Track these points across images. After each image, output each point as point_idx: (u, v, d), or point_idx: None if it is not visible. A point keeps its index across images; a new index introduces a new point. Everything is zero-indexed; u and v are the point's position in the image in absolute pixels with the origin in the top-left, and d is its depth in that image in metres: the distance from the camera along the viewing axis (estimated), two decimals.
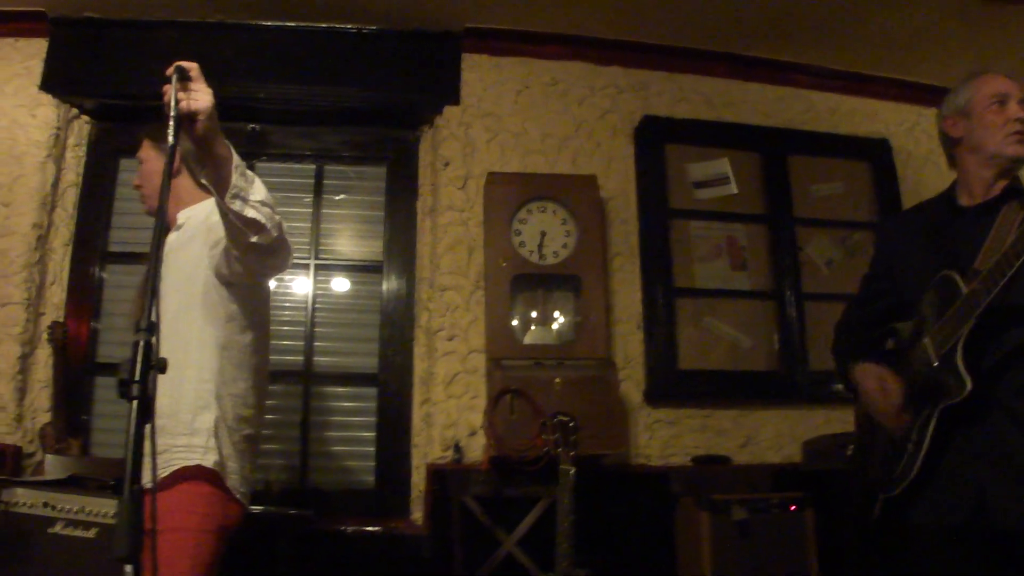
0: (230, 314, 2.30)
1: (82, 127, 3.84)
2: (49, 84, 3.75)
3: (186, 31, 3.78)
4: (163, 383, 1.45)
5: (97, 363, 3.71)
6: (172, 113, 1.74)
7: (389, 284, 3.77)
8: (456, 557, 3.26)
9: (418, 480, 3.56)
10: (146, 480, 1.42)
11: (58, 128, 3.74)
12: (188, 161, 2.48)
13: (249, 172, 2.03)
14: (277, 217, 2.08)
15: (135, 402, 1.39)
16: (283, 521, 3.19)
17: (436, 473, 3.44)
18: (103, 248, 3.77)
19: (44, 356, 3.57)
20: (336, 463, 3.70)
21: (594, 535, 2.92)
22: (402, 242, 3.80)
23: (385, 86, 3.78)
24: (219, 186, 1.98)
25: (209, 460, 2.19)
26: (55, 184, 3.71)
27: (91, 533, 2.82)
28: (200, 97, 1.85)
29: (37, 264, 3.62)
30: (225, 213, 2.02)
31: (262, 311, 2.46)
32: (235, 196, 1.97)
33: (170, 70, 1.81)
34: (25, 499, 2.86)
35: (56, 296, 3.66)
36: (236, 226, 2.03)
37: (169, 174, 1.64)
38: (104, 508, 2.83)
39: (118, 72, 3.76)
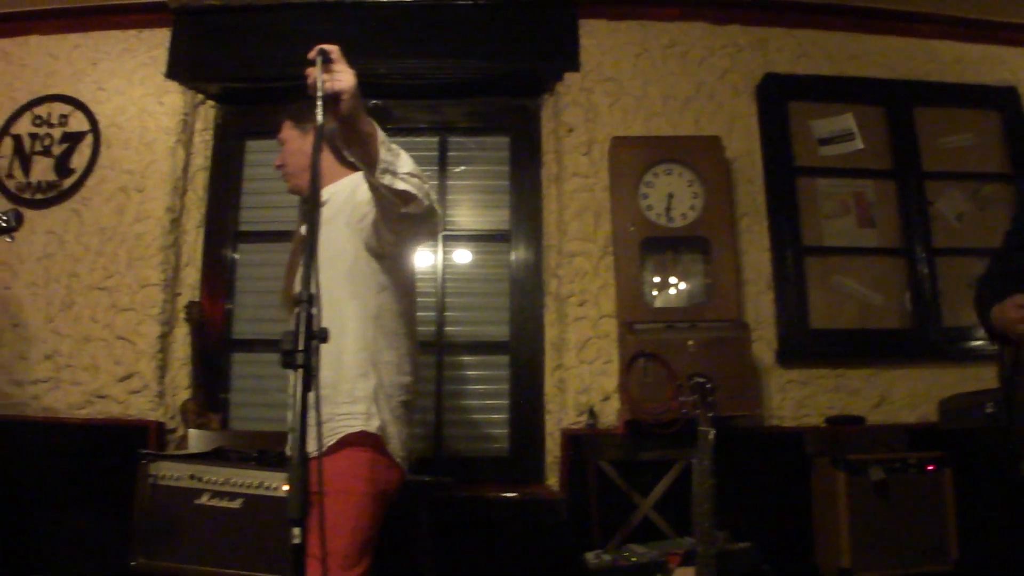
0: (381, 284, 2.40)
1: (208, 111, 4.02)
2: (174, 72, 3.93)
3: (304, 12, 3.92)
4: (323, 355, 1.55)
5: (233, 340, 3.89)
6: (319, 94, 1.84)
7: (517, 253, 3.86)
8: (592, 521, 3.34)
9: (552, 446, 3.65)
10: (312, 448, 1.55)
11: (185, 114, 3.92)
12: (334, 139, 2.61)
13: (394, 146, 2.11)
14: (426, 186, 2.17)
15: (299, 371, 1.50)
16: (423, 488, 3.29)
17: (571, 438, 3.53)
18: (234, 228, 3.95)
19: (182, 335, 3.76)
20: (470, 431, 3.81)
21: (729, 497, 2.95)
22: (528, 210, 3.88)
23: (504, 56, 3.86)
24: (368, 162, 2.08)
25: (372, 426, 2.30)
26: (185, 168, 3.90)
27: (236, 504, 2.98)
28: (343, 77, 1.93)
29: (172, 246, 3.81)
30: (376, 188, 2.12)
31: (410, 280, 2.56)
32: (384, 171, 2.06)
33: (313, 53, 1.91)
34: (172, 472, 3.04)
35: (191, 276, 3.85)
36: (388, 199, 2.13)
37: (319, 153, 1.75)
38: (248, 479, 2.98)
39: (239, 56, 3.93)
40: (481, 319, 3.88)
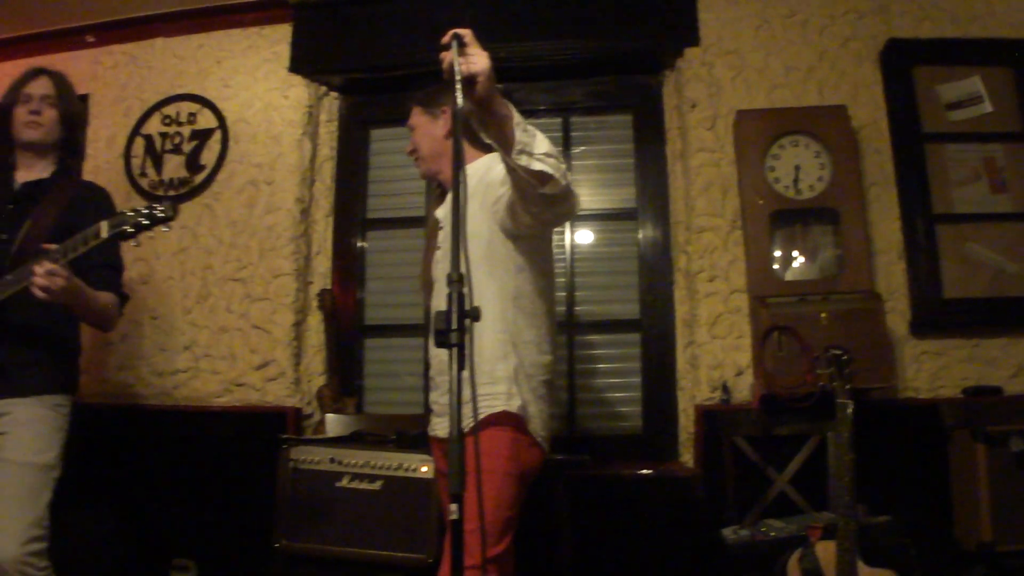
0: (519, 265, 2.48)
1: (332, 103, 4.18)
2: (297, 66, 4.09)
3: (422, 0, 4.09)
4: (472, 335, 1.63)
5: (365, 326, 4.03)
6: (456, 78, 1.91)
7: (645, 230, 3.92)
8: (728, 497, 3.38)
9: (686, 422, 3.71)
10: (464, 424, 1.62)
11: (310, 106, 4.08)
12: (467, 122, 2.71)
13: (530, 127, 2.17)
14: (563, 166, 2.21)
15: (453, 349, 1.59)
16: (561, 466, 3.35)
17: (705, 414, 3.58)
18: (362, 216, 4.10)
19: (315, 322, 3.92)
20: (603, 409, 3.89)
21: (865, 471, 2.91)
22: (654, 187, 3.94)
23: (624, 34, 3.91)
24: (504, 144, 2.14)
25: (513, 406, 2.38)
26: (312, 159, 4.07)
27: (376, 485, 3.14)
28: (477, 60, 2.00)
29: (303, 236, 3.98)
30: (513, 169, 2.18)
31: (547, 260, 2.63)
32: (521, 151, 2.11)
33: (447, 37, 1.99)
34: (313, 456, 3.21)
35: (322, 265, 4.02)
36: (525, 180, 2.18)
37: (459, 135, 1.84)
38: (387, 461, 3.13)
39: (360, 47, 4.06)
40: (610, 298, 3.95)
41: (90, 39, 4.45)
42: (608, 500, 3.57)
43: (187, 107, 4.18)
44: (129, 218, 2.43)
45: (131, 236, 2.45)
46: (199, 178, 4.06)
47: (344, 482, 3.20)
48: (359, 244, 4.09)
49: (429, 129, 2.68)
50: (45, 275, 2.42)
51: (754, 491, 3.41)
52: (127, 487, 3.86)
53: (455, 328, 1.61)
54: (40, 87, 2.88)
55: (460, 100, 1.89)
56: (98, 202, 2.90)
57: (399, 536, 3.10)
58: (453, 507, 1.56)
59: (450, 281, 1.67)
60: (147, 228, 2.43)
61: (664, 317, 3.84)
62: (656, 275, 3.89)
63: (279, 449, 3.30)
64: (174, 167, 4.11)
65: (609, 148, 4.08)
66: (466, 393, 1.64)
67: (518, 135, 2.11)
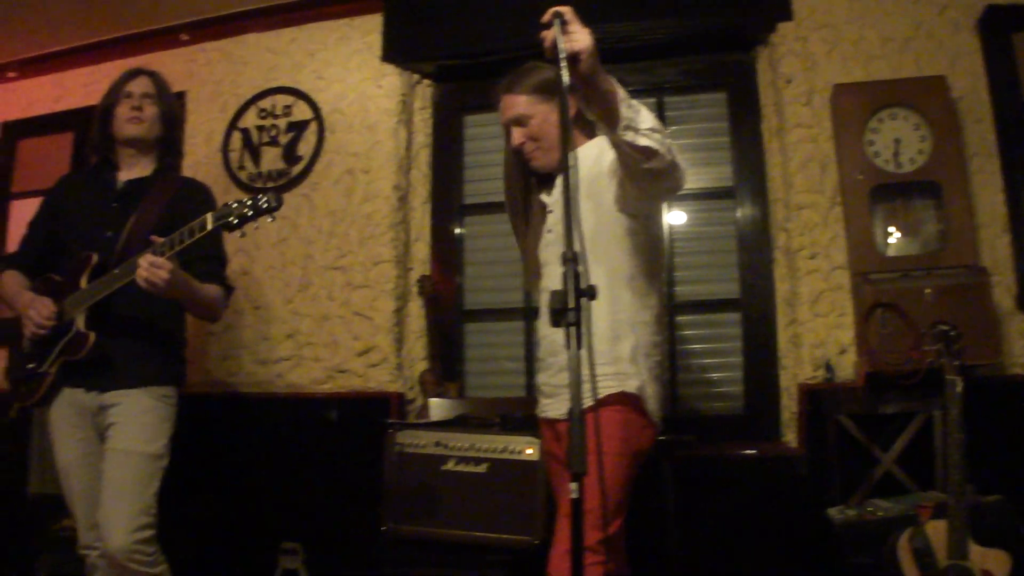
0: (633, 246, 2.51)
1: (425, 90, 4.27)
2: (389, 55, 4.18)
3: None
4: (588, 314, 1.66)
5: (465, 311, 4.13)
6: (561, 56, 1.95)
7: (743, 209, 3.94)
8: (833, 477, 3.41)
9: (788, 402, 3.72)
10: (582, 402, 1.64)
11: (404, 95, 4.19)
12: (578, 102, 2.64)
13: (635, 102, 2.18)
14: (668, 141, 2.23)
15: (571, 328, 1.62)
16: (667, 446, 3.38)
17: (809, 393, 3.59)
18: (459, 202, 4.20)
19: (416, 308, 4.03)
20: (704, 389, 3.93)
21: (971, 449, 2.88)
22: (751, 165, 3.96)
23: (715, 12, 3.92)
24: (609, 120, 2.16)
25: (631, 386, 2.42)
26: (408, 147, 4.17)
27: (482, 468, 3.21)
28: (580, 37, 2.02)
29: (401, 223, 4.09)
30: (619, 145, 2.21)
31: (659, 242, 2.65)
32: (627, 127, 2.14)
33: (548, 16, 2.02)
34: (418, 440, 3.30)
35: (421, 251, 4.13)
36: (631, 156, 2.21)
37: (567, 114, 1.88)
38: (492, 444, 3.20)
39: (451, 34, 4.14)
40: (708, 277, 3.98)
41: (184, 37, 4.62)
42: (712, 480, 3.62)
43: (282, 100, 4.32)
44: (234, 209, 2.51)
45: (236, 227, 2.52)
46: (297, 169, 4.20)
47: (450, 465, 3.29)
48: (456, 230, 4.19)
49: (548, 116, 2.60)
50: (149, 267, 2.50)
51: (859, 470, 3.42)
52: (234, 474, 4.02)
53: (572, 307, 1.65)
54: (141, 85, 3.00)
55: (566, 78, 1.93)
56: (199, 197, 3.02)
57: (505, 518, 3.17)
58: (573, 486, 1.59)
59: (565, 260, 1.71)
60: (252, 219, 2.51)
61: (764, 296, 3.87)
62: (755, 254, 3.92)
63: (385, 434, 3.40)
64: (272, 159, 4.26)
65: (703, 127, 4.11)
66: (583, 373, 1.66)
67: (623, 111, 2.13)
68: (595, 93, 2.15)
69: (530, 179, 2.74)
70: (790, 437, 3.72)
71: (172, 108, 3.09)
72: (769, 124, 3.98)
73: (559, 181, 2.59)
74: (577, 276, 1.69)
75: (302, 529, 3.87)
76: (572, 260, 1.70)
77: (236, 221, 2.49)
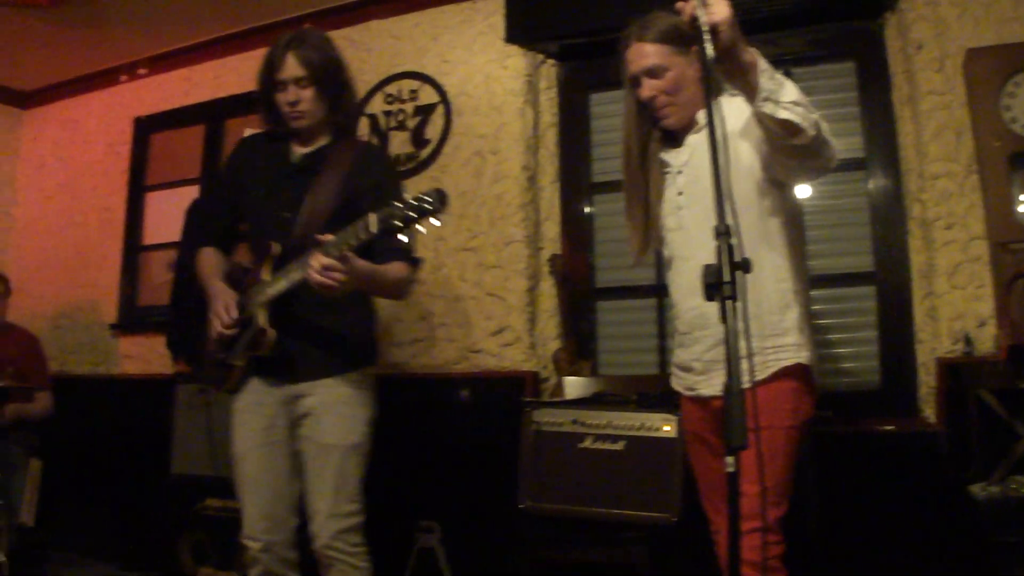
0: (785, 213, 2.47)
1: (549, 70, 4.37)
2: (513, 36, 4.29)
3: None
4: (742, 287, 1.66)
5: (596, 289, 4.23)
6: (703, 29, 1.93)
7: (875, 180, 3.93)
8: (973, 453, 3.37)
9: (925, 376, 3.72)
10: (743, 380, 1.66)
11: (529, 75, 4.30)
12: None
13: (778, 75, 2.14)
14: (814, 116, 2.17)
15: (727, 302, 1.63)
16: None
17: (948, 368, 3.57)
18: (587, 180, 4.31)
19: (547, 287, 4.14)
20: (835, 364, 3.94)
21: None
22: (882, 135, 3.93)
23: None
24: (749, 92, 2.15)
25: (803, 357, 2.40)
26: (535, 127, 4.28)
27: (619, 445, 3.29)
28: (718, 9, 1.99)
29: (531, 203, 4.22)
30: (761, 119, 2.19)
31: (800, 210, 2.64)
32: (766, 99, 2.11)
33: None
34: (555, 418, 3.39)
35: (551, 230, 4.25)
36: (773, 131, 2.18)
37: (711, 87, 1.90)
38: (629, 421, 3.27)
39: (574, 13, 4.18)
40: (839, 250, 3.99)
41: (307, 27, 4.80)
42: (851, 456, 3.64)
43: (408, 84, 4.49)
44: (398, 212, 2.37)
45: (400, 230, 2.38)
46: (425, 152, 4.37)
47: (587, 443, 3.38)
48: (586, 208, 4.30)
49: (685, 70, 2.45)
50: (321, 271, 2.44)
51: (1000, 446, 3.37)
52: (371, 454, 4.21)
53: (728, 280, 1.67)
54: (290, 70, 2.78)
55: (710, 51, 1.93)
56: (375, 167, 2.90)
57: (643, 495, 3.23)
58: (730, 460, 1.62)
59: (718, 234, 1.73)
60: (415, 222, 2.37)
61: (899, 268, 3.85)
62: (889, 225, 3.90)
63: (522, 412, 3.51)
64: (400, 143, 4.44)
65: (831, 98, 4.09)
66: (748, 346, 1.71)
67: (763, 82, 2.11)
68: (734, 64, 2.12)
69: (652, 136, 2.57)
70: (928, 412, 3.72)
71: (331, 75, 2.86)
72: (900, 92, 3.97)
73: (691, 141, 2.50)
74: (731, 249, 1.71)
75: (438, 508, 4.02)
76: (724, 234, 1.73)
77: (399, 224, 2.35)
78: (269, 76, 2.85)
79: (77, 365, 5.75)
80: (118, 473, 5.23)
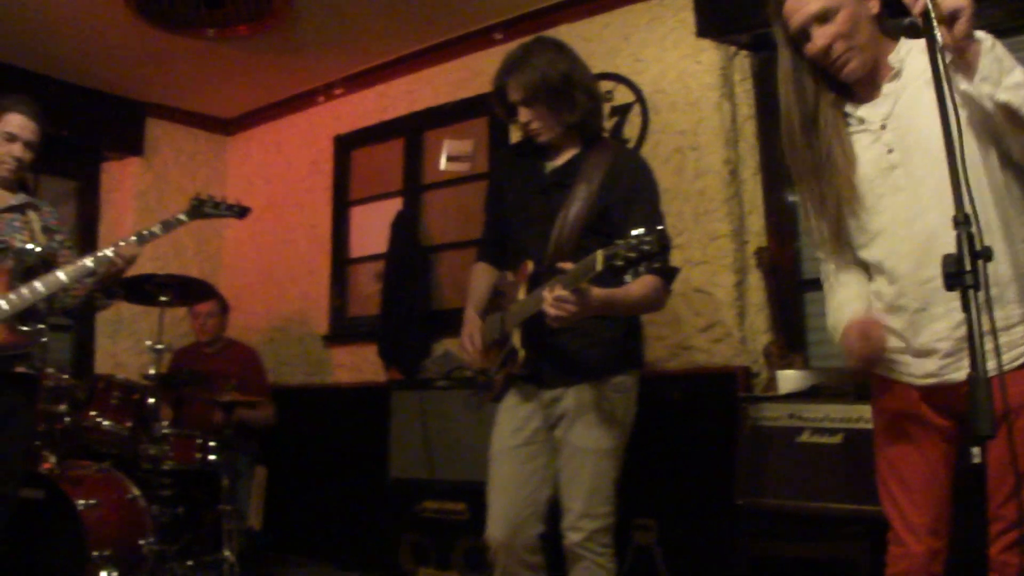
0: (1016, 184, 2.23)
1: (743, 61, 4.41)
2: (704, 30, 4.32)
3: None
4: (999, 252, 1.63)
5: (803, 280, 4.26)
6: (932, 14, 1.80)
7: None
8: None
9: None
10: (990, 366, 1.63)
11: (723, 68, 4.35)
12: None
13: (1000, 50, 2.00)
14: None
15: (970, 291, 1.59)
16: None
17: None
18: (788, 171, 4.39)
19: (755, 280, 4.19)
20: None
21: None
22: None
23: None
24: (965, 70, 2.01)
25: None
26: (733, 119, 4.33)
27: (837, 439, 3.28)
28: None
29: (734, 197, 4.27)
30: (979, 99, 2.03)
31: None
32: (983, 79, 1.99)
33: None
34: (771, 413, 3.43)
35: (755, 223, 4.29)
36: (994, 114, 2.03)
37: (944, 74, 1.75)
38: (847, 414, 3.26)
39: (764, 1, 4.39)
40: None
41: (498, 36, 5.05)
42: None
43: (603, 86, 4.60)
44: (620, 251, 2.32)
45: (625, 271, 2.32)
46: None
47: (804, 437, 3.40)
48: (790, 198, 4.31)
49: (857, 9, 2.17)
50: (554, 303, 2.47)
51: None
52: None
53: (969, 270, 1.63)
54: (513, 95, 2.85)
55: (940, 38, 1.82)
56: (627, 173, 2.88)
57: (862, 489, 3.16)
58: (975, 450, 1.58)
59: (956, 223, 1.66)
60: (637, 263, 2.32)
61: None
62: None
63: (738, 407, 3.58)
64: None
65: None
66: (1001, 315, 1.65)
67: (982, 64, 1.97)
68: (963, 56, 1.98)
69: (823, 98, 2.28)
70: None
71: (553, 87, 2.81)
72: None
73: (888, 89, 2.23)
74: (971, 238, 1.65)
75: (653, 505, 4.10)
76: (963, 222, 1.66)
77: (621, 264, 2.30)
78: (502, 103, 2.95)
79: (292, 376, 6.20)
80: (337, 478, 5.61)
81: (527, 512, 2.85)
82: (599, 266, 2.33)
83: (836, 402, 3.39)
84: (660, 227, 2.32)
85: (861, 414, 3.23)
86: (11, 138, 3.32)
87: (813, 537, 3.35)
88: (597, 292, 2.55)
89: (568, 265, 2.50)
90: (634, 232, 2.29)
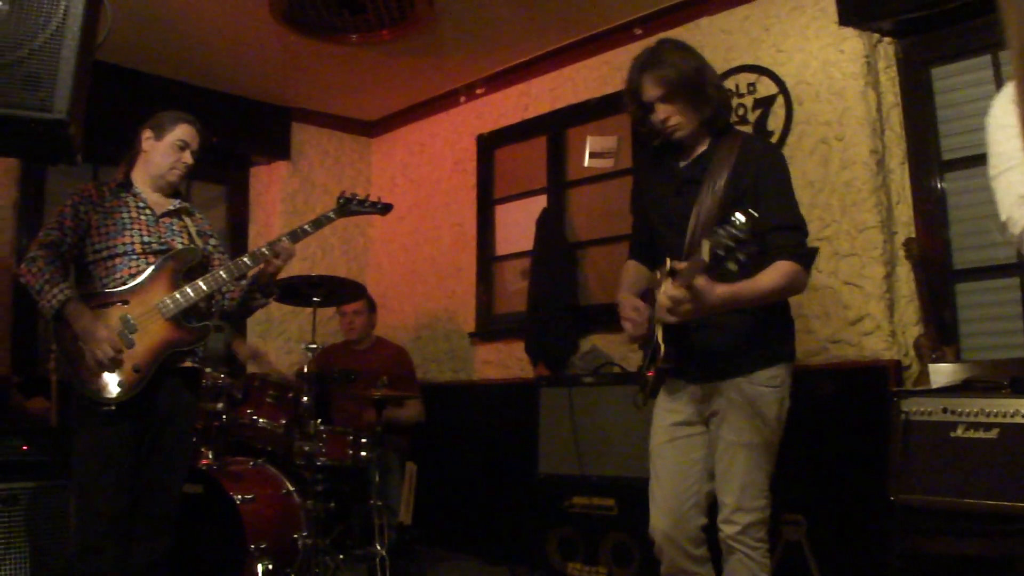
0: None
1: (887, 48, 4.45)
2: (846, 18, 4.39)
3: None
4: None
5: (955, 270, 4.28)
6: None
7: None
8: None
9: None
10: None
11: (866, 56, 4.38)
12: None
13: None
14: None
15: None
16: None
17: None
18: (937, 159, 4.33)
19: (904, 272, 4.22)
20: None
21: None
22: None
23: None
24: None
25: None
26: (878, 108, 4.36)
27: (992, 433, 3.28)
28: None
29: (881, 187, 4.30)
30: None
31: None
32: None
33: None
34: (924, 407, 3.45)
35: (904, 213, 4.31)
36: None
37: None
38: (1003, 408, 3.27)
39: None
40: None
41: (638, 32, 5.22)
42: None
43: (745, 78, 4.76)
44: (721, 241, 2.40)
45: (725, 260, 2.41)
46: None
47: (958, 431, 3.40)
48: (939, 187, 4.34)
49: None
50: (670, 302, 2.58)
51: None
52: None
53: None
54: (649, 92, 2.96)
55: None
56: (753, 160, 2.95)
57: (1019, 486, 3.21)
58: None
59: None
60: (736, 252, 2.39)
61: None
62: None
63: (890, 402, 3.61)
64: None
65: None
66: None
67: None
68: None
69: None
70: None
71: (689, 82, 2.95)
72: None
73: None
74: None
75: (803, 501, 4.17)
76: None
77: (723, 253, 2.38)
78: (636, 101, 3.07)
79: (439, 372, 6.50)
80: (485, 474, 5.89)
81: (689, 503, 2.96)
82: (706, 257, 2.40)
83: (991, 396, 3.40)
84: (752, 212, 2.39)
85: (1017, 408, 3.26)
86: (183, 146, 3.64)
87: (967, 534, 3.35)
88: (719, 289, 2.63)
89: (680, 265, 2.59)
90: (731, 218, 2.38)
